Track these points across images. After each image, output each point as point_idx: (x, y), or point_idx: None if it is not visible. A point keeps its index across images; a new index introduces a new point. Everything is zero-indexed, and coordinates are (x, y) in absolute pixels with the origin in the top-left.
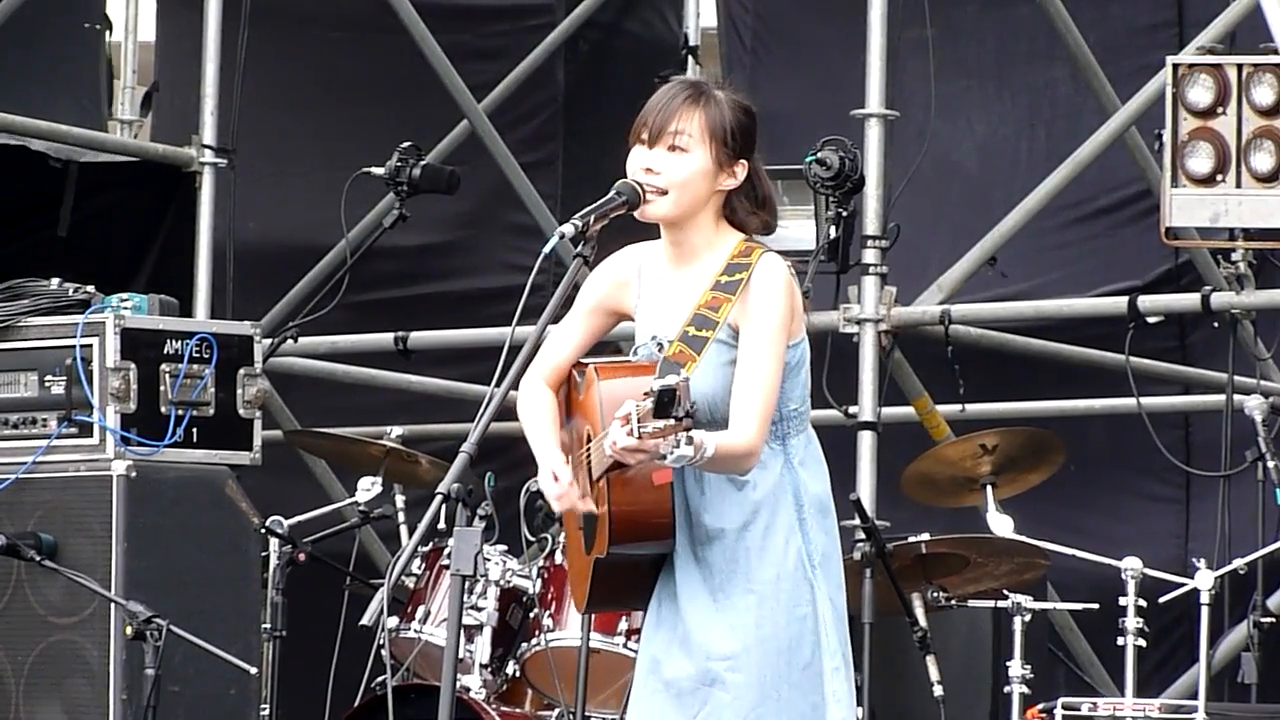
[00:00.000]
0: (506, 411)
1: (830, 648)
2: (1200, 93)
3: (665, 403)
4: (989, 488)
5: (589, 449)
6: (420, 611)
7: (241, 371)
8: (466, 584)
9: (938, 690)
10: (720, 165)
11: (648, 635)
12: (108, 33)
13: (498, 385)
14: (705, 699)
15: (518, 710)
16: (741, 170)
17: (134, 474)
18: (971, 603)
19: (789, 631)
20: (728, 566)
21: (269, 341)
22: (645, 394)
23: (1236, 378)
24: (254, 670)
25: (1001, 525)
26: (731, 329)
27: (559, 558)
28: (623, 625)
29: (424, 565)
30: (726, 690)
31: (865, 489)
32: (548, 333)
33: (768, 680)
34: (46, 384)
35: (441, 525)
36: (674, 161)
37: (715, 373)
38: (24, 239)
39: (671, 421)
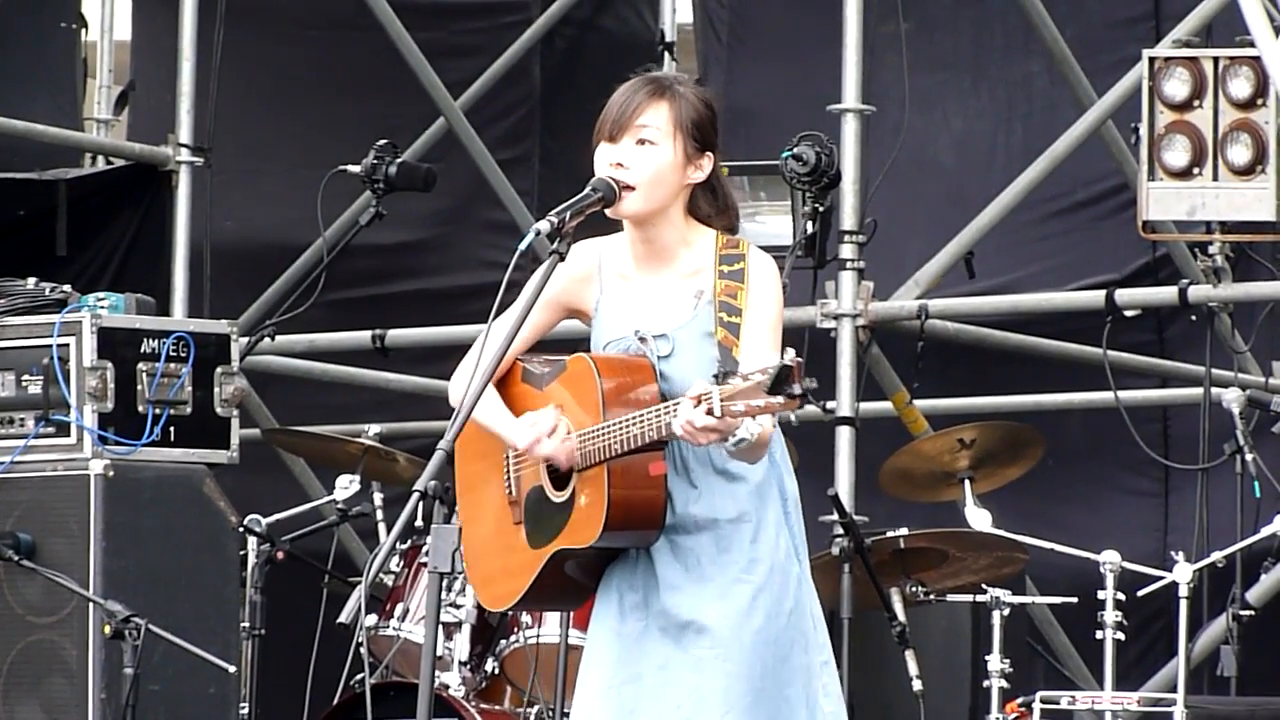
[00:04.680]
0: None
1: (818, 642)
2: (1177, 86)
3: (784, 379)
4: (967, 482)
5: (575, 438)
6: (399, 609)
7: (219, 370)
8: (445, 581)
9: (917, 685)
10: (688, 158)
11: (611, 628)
12: (83, 32)
13: (475, 382)
14: (693, 685)
15: (497, 708)
16: (708, 163)
17: (112, 473)
18: (950, 597)
19: (777, 624)
20: (720, 556)
21: (246, 340)
22: (718, 375)
23: (1214, 371)
24: (233, 669)
25: (980, 520)
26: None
27: None
28: None
29: (402, 563)
30: (715, 678)
31: (843, 484)
32: (521, 329)
33: (756, 671)
34: (23, 383)
35: (419, 522)
36: (642, 155)
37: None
38: (24, 260)
39: (781, 399)
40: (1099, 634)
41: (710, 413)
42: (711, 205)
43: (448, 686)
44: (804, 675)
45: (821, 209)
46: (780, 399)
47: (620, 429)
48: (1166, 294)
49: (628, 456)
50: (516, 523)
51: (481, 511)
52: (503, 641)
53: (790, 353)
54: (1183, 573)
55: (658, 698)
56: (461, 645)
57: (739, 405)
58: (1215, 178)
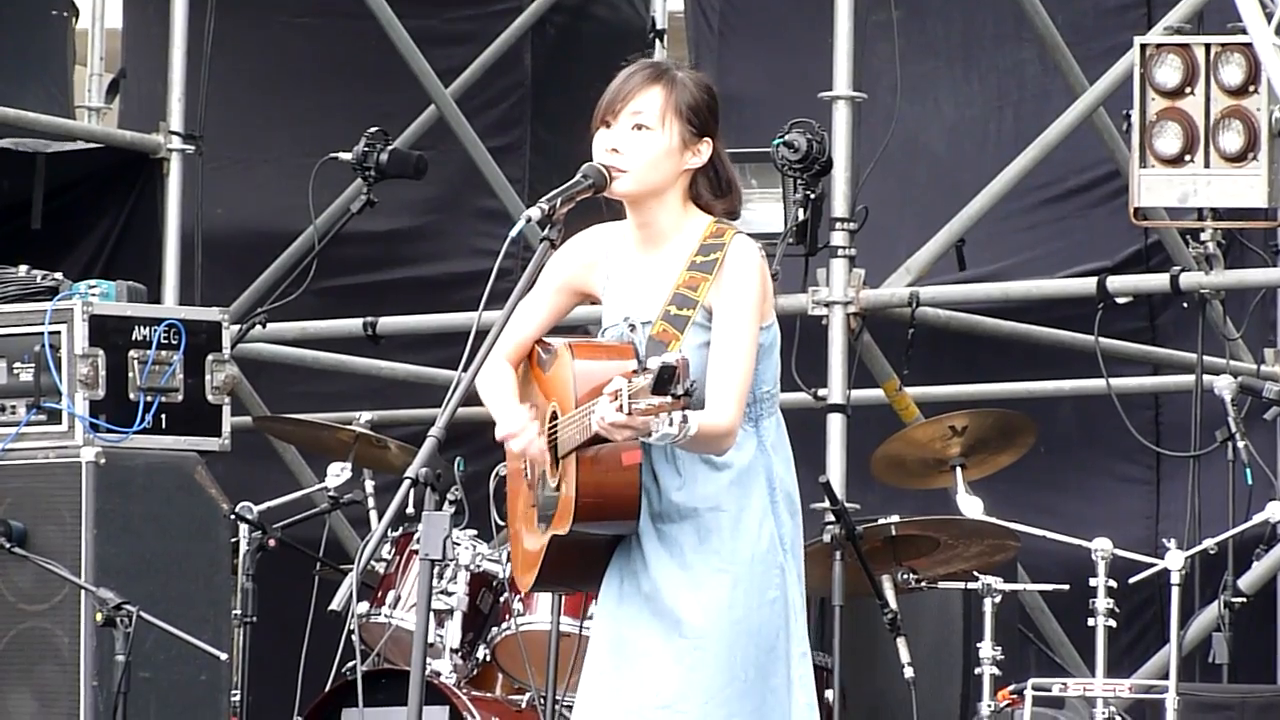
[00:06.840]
0: (475, 396)
1: (798, 634)
2: (1168, 73)
3: (665, 379)
4: (959, 469)
5: (555, 425)
6: (390, 596)
7: (210, 358)
8: (436, 569)
9: (908, 672)
10: (685, 143)
11: (609, 611)
12: (74, 19)
13: (465, 370)
14: (674, 676)
15: (488, 695)
16: (706, 148)
17: (103, 461)
18: (942, 584)
19: (760, 614)
20: (701, 545)
21: (237, 327)
22: (635, 371)
23: (1206, 358)
24: (224, 656)
25: (971, 507)
26: (706, 310)
27: None
28: (592, 609)
29: (394, 550)
30: (695, 669)
31: (835, 471)
32: (532, 314)
33: (736, 661)
34: (15, 371)
35: (411, 510)
36: (637, 139)
37: (692, 355)
38: (11, 242)
39: (669, 399)
40: (1091, 621)
41: (620, 409)
42: (712, 190)
43: (439, 674)
44: (785, 665)
45: (813, 196)
46: (667, 398)
47: (576, 420)
48: (1158, 281)
49: (600, 445)
50: (532, 506)
51: (518, 496)
52: (494, 629)
53: (677, 353)
54: (1174, 560)
55: (642, 686)
56: (453, 633)
57: (641, 404)
58: (1207, 165)
